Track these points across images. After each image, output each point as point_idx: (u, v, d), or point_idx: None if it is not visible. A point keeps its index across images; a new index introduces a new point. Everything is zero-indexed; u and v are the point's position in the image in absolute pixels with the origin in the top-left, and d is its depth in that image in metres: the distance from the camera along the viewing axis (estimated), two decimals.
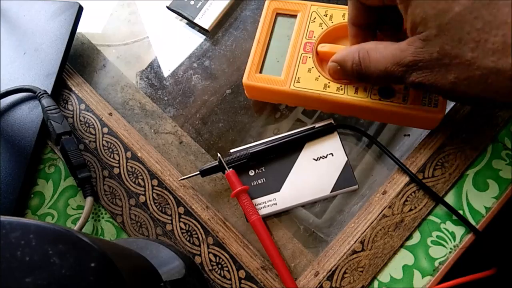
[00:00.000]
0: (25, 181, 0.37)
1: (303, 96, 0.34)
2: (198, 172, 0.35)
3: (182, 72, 0.42)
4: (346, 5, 0.32)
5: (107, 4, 0.46)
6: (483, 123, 0.34)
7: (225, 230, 0.34)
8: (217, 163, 0.35)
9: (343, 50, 0.31)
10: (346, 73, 0.31)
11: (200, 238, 0.34)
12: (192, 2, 0.43)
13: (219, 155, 0.35)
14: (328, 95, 0.33)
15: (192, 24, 0.43)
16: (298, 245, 0.34)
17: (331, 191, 0.34)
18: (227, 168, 0.34)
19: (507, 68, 0.22)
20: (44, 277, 0.16)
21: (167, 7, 0.44)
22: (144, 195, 0.36)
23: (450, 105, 0.34)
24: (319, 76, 0.34)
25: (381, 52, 0.27)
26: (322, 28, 0.35)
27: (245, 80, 0.35)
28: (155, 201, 0.36)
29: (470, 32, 0.23)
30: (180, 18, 0.44)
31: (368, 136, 0.35)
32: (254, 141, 0.37)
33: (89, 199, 0.35)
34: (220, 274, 0.33)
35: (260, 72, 0.36)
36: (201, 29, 0.43)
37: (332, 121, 0.36)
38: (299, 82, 0.34)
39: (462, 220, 0.32)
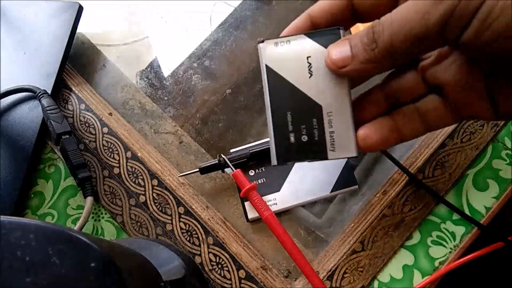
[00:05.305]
0: (25, 181, 0.37)
1: None
2: (198, 170, 0.35)
3: (182, 72, 0.42)
4: None
5: (107, 4, 0.46)
6: (483, 123, 0.34)
7: (225, 230, 0.34)
8: (217, 161, 0.35)
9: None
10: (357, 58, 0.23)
11: (200, 238, 0.34)
12: None
13: (223, 156, 0.35)
14: None
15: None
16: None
17: (331, 191, 0.34)
18: (233, 168, 0.34)
19: None
20: (44, 277, 0.16)
21: None
22: (144, 195, 0.36)
23: None
24: None
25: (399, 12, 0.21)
26: None
27: None
28: (155, 201, 0.36)
29: None
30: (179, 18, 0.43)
31: None
32: (254, 141, 0.37)
33: (89, 199, 0.35)
34: (220, 274, 0.33)
35: None
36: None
37: None
38: None
39: (464, 217, 0.32)
